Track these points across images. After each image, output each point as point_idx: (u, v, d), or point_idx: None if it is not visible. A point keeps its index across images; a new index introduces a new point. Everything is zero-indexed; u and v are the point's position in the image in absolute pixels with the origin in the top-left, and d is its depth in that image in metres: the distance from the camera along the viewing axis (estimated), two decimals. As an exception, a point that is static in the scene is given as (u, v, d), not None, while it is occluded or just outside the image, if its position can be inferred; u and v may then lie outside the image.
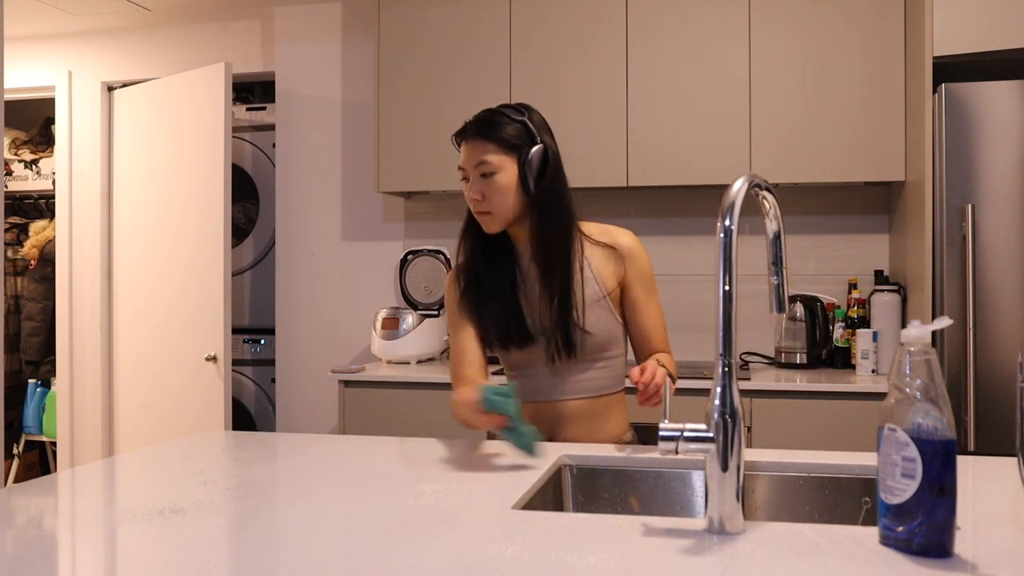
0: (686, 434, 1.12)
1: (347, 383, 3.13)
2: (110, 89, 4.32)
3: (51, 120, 4.90)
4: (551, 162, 1.71)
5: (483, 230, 1.74)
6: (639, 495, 1.51)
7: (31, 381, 4.91)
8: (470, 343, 1.76)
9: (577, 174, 3.23)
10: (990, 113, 2.57)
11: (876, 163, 2.99)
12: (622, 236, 1.81)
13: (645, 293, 1.80)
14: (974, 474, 1.44)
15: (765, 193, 1.21)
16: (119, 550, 1.08)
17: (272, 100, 4.11)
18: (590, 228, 1.80)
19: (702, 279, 3.44)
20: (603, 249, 1.78)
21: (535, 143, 1.70)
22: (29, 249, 5.04)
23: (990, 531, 1.10)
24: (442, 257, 3.48)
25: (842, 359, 3.11)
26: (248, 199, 4.32)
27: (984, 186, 2.56)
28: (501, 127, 1.69)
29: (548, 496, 1.43)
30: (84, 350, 4.30)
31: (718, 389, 1.12)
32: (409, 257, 3.52)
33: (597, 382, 1.77)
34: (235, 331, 4.00)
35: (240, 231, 4.28)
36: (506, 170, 1.68)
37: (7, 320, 4.94)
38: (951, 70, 2.69)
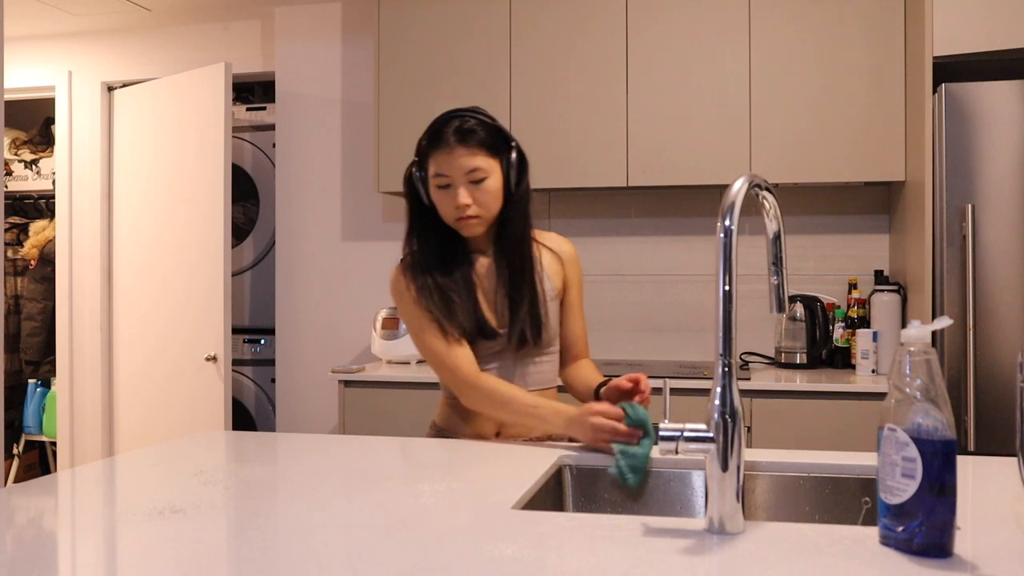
0: (686, 434, 1.12)
1: (347, 383, 3.13)
2: (110, 89, 4.32)
3: (51, 120, 4.90)
4: (527, 162, 1.77)
5: (430, 232, 1.77)
6: (637, 492, 1.51)
7: (31, 381, 4.91)
8: (455, 336, 1.74)
9: (577, 174, 3.27)
10: (990, 113, 2.57)
11: (876, 163, 2.99)
12: (564, 243, 1.90)
13: (578, 298, 1.89)
14: (974, 474, 1.44)
15: (765, 193, 1.21)
16: (119, 550, 1.08)
17: (272, 100, 4.11)
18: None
19: (702, 279, 3.44)
20: (547, 251, 1.85)
21: (510, 145, 1.75)
22: (29, 249, 5.04)
23: (990, 531, 1.10)
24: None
25: (842, 359, 3.11)
26: (248, 199, 4.32)
27: (984, 186, 2.57)
28: (483, 132, 1.72)
29: (548, 496, 1.43)
30: (84, 350, 4.30)
31: (718, 389, 1.12)
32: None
33: (542, 376, 1.83)
34: (235, 331, 4.01)
35: (240, 231, 4.29)
36: (494, 174, 1.72)
37: (7, 320, 4.94)
38: (951, 70, 2.69)
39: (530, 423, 1.69)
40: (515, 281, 1.77)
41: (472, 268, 1.79)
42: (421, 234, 1.79)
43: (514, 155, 1.74)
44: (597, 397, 1.74)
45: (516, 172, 1.74)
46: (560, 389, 1.87)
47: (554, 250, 1.86)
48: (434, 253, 1.78)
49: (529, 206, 1.79)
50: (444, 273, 1.77)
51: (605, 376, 1.79)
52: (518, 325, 1.75)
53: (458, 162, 1.70)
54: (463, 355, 1.73)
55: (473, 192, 1.70)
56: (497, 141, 1.73)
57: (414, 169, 1.76)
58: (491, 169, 1.71)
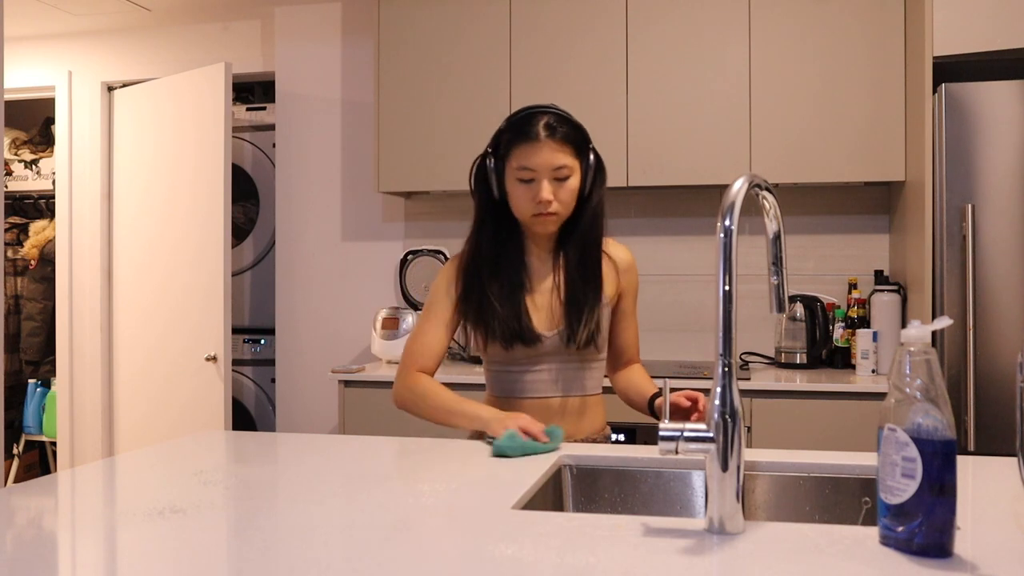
0: (686, 434, 1.12)
1: (347, 383, 3.13)
2: (110, 89, 4.32)
3: (51, 120, 4.90)
4: (604, 167, 1.77)
5: (490, 228, 1.76)
6: (639, 495, 1.51)
7: (31, 381, 4.91)
8: (442, 338, 1.78)
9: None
10: (990, 113, 2.57)
11: (876, 163, 2.99)
12: (622, 251, 1.88)
13: (632, 305, 1.90)
14: (974, 474, 1.44)
15: (765, 193, 1.21)
16: (119, 550, 1.08)
17: (272, 100, 4.11)
18: None
19: (702, 279, 3.44)
20: (605, 257, 1.83)
21: (589, 146, 1.75)
22: (29, 249, 5.04)
23: (990, 531, 1.10)
24: (442, 257, 3.48)
25: (842, 359, 3.11)
26: (248, 199, 4.32)
27: (984, 186, 2.57)
28: (571, 130, 1.72)
29: (548, 496, 1.43)
30: (84, 350, 4.30)
31: (718, 389, 1.12)
32: (409, 257, 3.52)
33: (588, 381, 1.83)
34: (235, 331, 4.00)
35: (240, 231, 4.29)
36: (576, 174, 1.72)
37: (7, 320, 4.94)
38: (951, 70, 2.69)
39: (450, 421, 1.71)
40: (582, 283, 1.76)
41: (525, 269, 1.78)
42: (481, 229, 1.78)
43: (592, 157, 1.74)
44: (652, 409, 1.76)
45: (593, 174, 1.74)
46: (605, 390, 1.88)
47: (612, 257, 1.84)
48: (491, 250, 1.76)
49: (603, 210, 1.79)
50: (494, 273, 1.75)
51: (658, 386, 1.81)
52: (583, 327, 1.75)
53: (546, 157, 1.68)
54: (430, 352, 1.77)
55: (556, 189, 1.69)
56: (580, 141, 1.73)
57: (488, 161, 1.74)
58: (574, 168, 1.71)
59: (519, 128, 1.71)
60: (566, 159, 1.69)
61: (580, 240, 1.77)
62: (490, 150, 1.75)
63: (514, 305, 1.74)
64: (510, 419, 1.61)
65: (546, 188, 1.68)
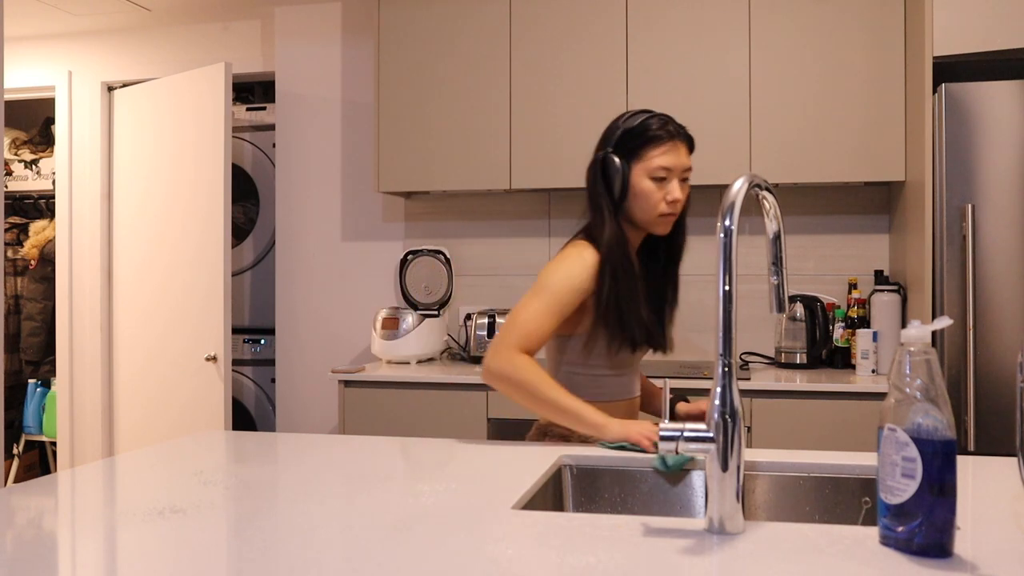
0: (686, 434, 1.12)
1: (347, 383, 3.13)
2: (110, 89, 4.32)
3: (51, 120, 4.90)
4: None
5: (615, 229, 1.75)
6: (639, 495, 1.51)
7: (31, 381, 4.91)
8: (553, 330, 1.69)
9: (577, 174, 3.24)
10: (990, 113, 2.57)
11: (876, 163, 2.99)
12: None
13: None
14: (974, 474, 1.44)
15: (765, 193, 1.21)
16: (119, 550, 1.08)
17: (272, 100, 4.11)
18: None
19: (702, 279, 3.44)
20: None
21: None
22: (29, 249, 5.04)
23: (990, 531, 1.10)
24: (442, 257, 3.47)
25: (842, 359, 3.11)
26: (248, 199, 4.33)
27: (984, 186, 2.57)
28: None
29: (548, 496, 1.43)
30: (84, 350, 4.30)
31: (718, 389, 1.12)
32: (409, 257, 3.51)
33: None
34: (235, 331, 4.00)
35: (240, 231, 4.29)
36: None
37: (7, 320, 4.94)
38: (951, 70, 2.69)
39: (557, 418, 1.63)
40: (670, 288, 1.84)
41: (638, 272, 1.77)
42: (604, 229, 1.74)
43: None
44: (672, 414, 1.77)
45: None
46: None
47: None
48: (613, 252, 1.72)
49: None
50: (625, 277, 1.71)
51: (659, 386, 1.87)
52: (671, 330, 1.82)
53: (682, 157, 1.76)
54: (540, 338, 1.65)
55: (680, 190, 1.76)
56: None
57: (614, 160, 1.74)
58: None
59: (653, 128, 1.75)
60: (691, 162, 1.77)
61: (673, 243, 1.84)
62: (610, 149, 1.75)
63: (644, 308, 1.74)
64: (632, 426, 1.57)
65: (678, 187, 1.74)
